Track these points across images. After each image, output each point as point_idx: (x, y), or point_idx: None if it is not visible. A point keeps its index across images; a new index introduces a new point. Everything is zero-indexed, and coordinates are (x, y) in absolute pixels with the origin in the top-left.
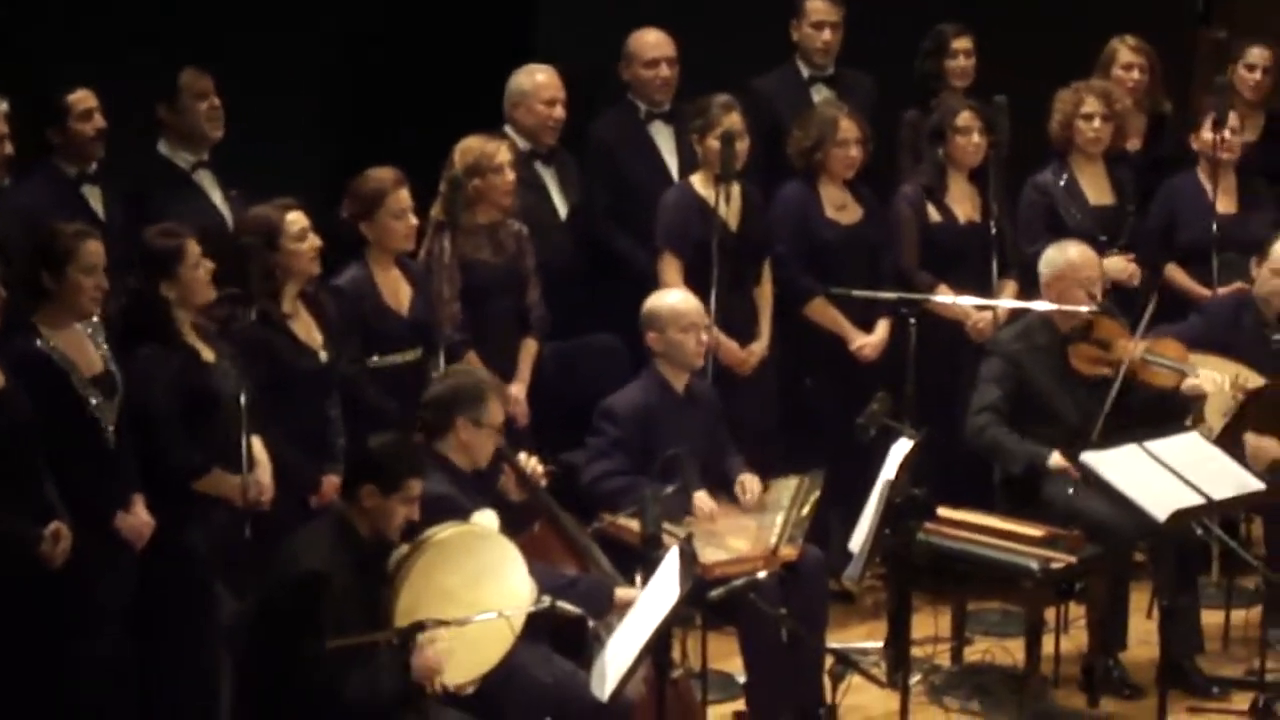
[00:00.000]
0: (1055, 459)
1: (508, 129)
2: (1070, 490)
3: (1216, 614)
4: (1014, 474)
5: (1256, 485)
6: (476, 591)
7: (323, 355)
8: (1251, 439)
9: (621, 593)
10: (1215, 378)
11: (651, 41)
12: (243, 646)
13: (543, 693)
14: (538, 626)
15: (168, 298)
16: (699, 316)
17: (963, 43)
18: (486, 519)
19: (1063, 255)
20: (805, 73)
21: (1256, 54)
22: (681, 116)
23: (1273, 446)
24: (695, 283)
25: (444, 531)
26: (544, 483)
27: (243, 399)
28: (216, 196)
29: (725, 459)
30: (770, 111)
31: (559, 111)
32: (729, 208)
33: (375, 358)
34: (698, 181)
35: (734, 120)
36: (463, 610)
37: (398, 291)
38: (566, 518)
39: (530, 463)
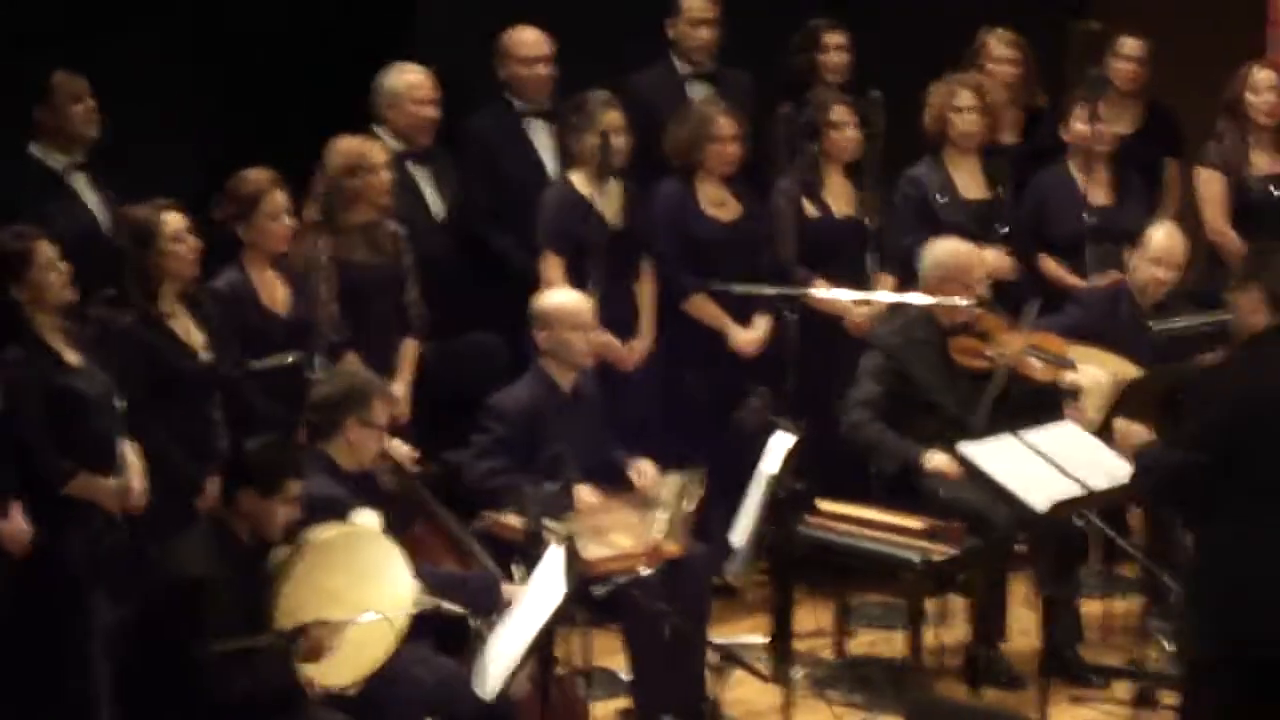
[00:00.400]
0: (930, 460)
1: (379, 130)
2: (941, 492)
3: (1097, 603)
4: (888, 472)
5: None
6: (359, 592)
7: (204, 356)
8: (1120, 424)
9: (509, 590)
10: (1095, 373)
11: (528, 40)
12: (125, 652)
13: (425, 692)
14: (421, 626)
15: (19, 300)
16: (589, 315)
17: (835, 38)
18: (367, 519)
19: (945, 251)
20: (683, 70)
21: (1130, 45)
22: (559, 114)
23: (1140, 431)
24: (577, 280)
25: (324, 532)
26: (416, 469)
27: (116, 402)
28: (91, 199)
29: (610, 456)
30: (648, 109)
31: (433, 111)
32: (609, 205)
33: (253, 360)
34: (577, 179)
35: (613, 117)
36: (346, 610)
37: (275, 293)
38: (448, 516)
39: (399, 448)
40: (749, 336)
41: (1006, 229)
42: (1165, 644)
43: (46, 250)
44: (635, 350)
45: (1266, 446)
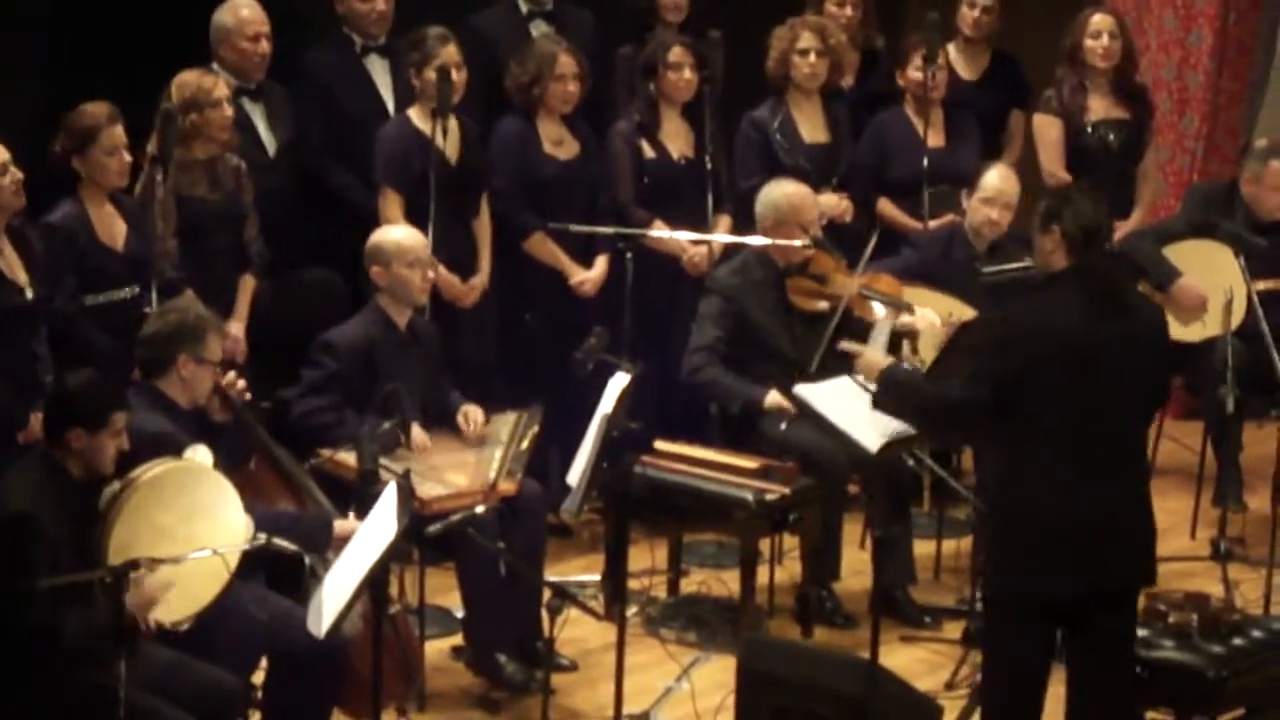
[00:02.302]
0: (771, 398)
1: (215, 66)
2: (782, 426)
3: (928, 544)
4: (731, 413)
5: None
6: (191, 528)
7: (28, 292)
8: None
9: (341, 526)
10: (928, 314)
11: None
12: None
13: (258, 630)
14: (254, 564)
15: None
16: (424, 252)
17: None
18: (200, 455)
19: (780, 193)
20: (524, 8)
21: None
22: (397, 50)
23: (876, 358)
24: (415, 216)
25: (155, 468)
26: (244, 396)
27: None
28: None
29: (446, 396)
30: (489, 47)
31: (264, 46)
32: (447, 141)
33: (90, 295)
34: (415, 115)
35: (450, 52)
36: (177, 547)
37: (112, 228)
38: (282, 453)
39: (229, 377)
40: (588, 276)
41: (840, 175)
42: None
43: None
44: (474, 288)
45: (1051, 388)
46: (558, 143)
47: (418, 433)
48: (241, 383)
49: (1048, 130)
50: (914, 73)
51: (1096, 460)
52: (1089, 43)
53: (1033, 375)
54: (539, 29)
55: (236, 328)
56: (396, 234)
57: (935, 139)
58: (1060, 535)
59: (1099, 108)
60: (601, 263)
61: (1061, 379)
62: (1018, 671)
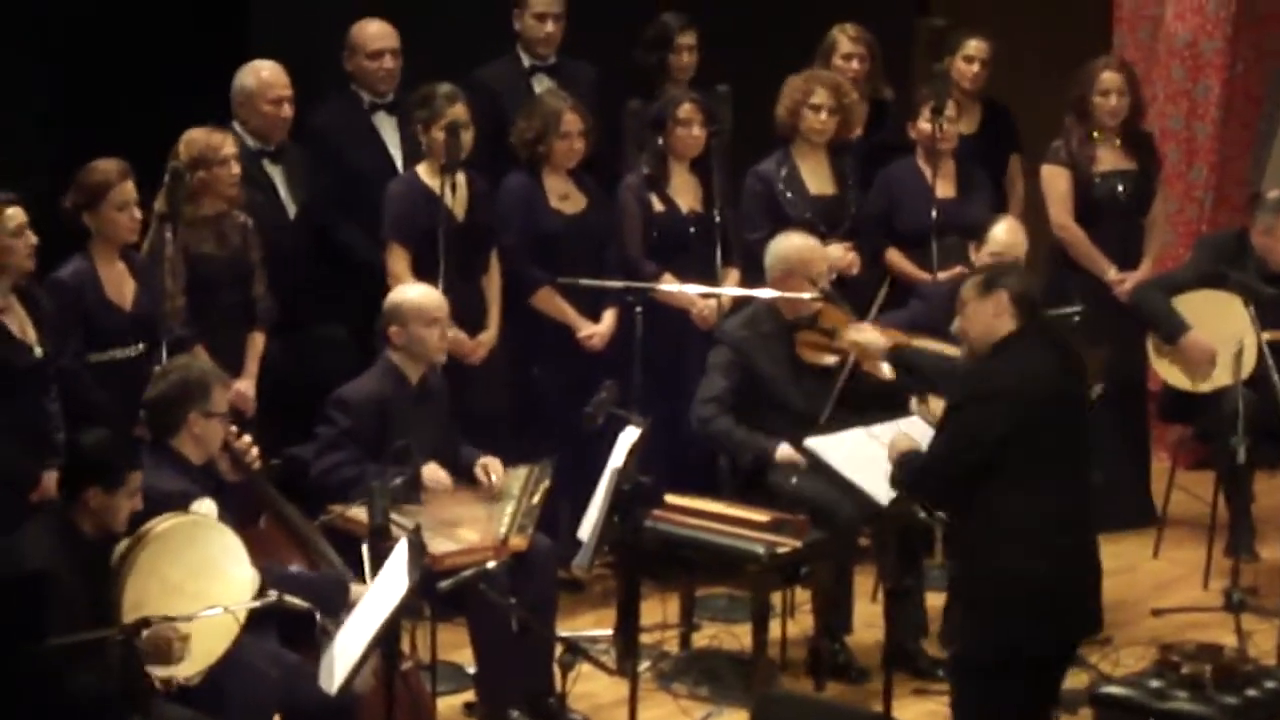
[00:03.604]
0: (781, 451)
1: (236, 127)
2: (793, 480)
3: (940, 596)
4: (742, 465)
5: None
6: (200, 582)
7: (38, 350)
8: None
9: (357, 590)
10: None
11: (374, 33)
12: None
13: (270, 687)
14: (265, 619)
15: None
16: (442, 310)
17: (687, 38)
18: (204, 508)
19: (788, 246)
20: (527, 63)
21: (974, 46)
22: (405, 107)
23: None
24: (423, 273)
25: (164, 523)
26: (257, 462)
27: None
28: None
29: (457, 451)
30: (493, 102)
31: (286, 111)
32: (455, 197)
33: (94, 353)
34: (423, 171)
35: (459, 110)
36: (188, 600)
37: (121, 286)
38: (292, 510)
39: (243, 441)
40: (597, 330)
41: (846, 227)
42: None
43: None
44: (482, 344)
45: (1031, 444)
46: (564, 197)
47: (433, 469)
48: (255, 449)
49: (1056, 182)
50: (924, 124)
51: (1068, 512)
52: (1097, 99)
53: (1015, 432)
54: (541, 83)
55: (246, 385)
56: (413, 293)
57: (946, 190)
58: (1042, 590)
59: (1107, 159)
60: (610, 316)
61: (1040, 434)
62: None
